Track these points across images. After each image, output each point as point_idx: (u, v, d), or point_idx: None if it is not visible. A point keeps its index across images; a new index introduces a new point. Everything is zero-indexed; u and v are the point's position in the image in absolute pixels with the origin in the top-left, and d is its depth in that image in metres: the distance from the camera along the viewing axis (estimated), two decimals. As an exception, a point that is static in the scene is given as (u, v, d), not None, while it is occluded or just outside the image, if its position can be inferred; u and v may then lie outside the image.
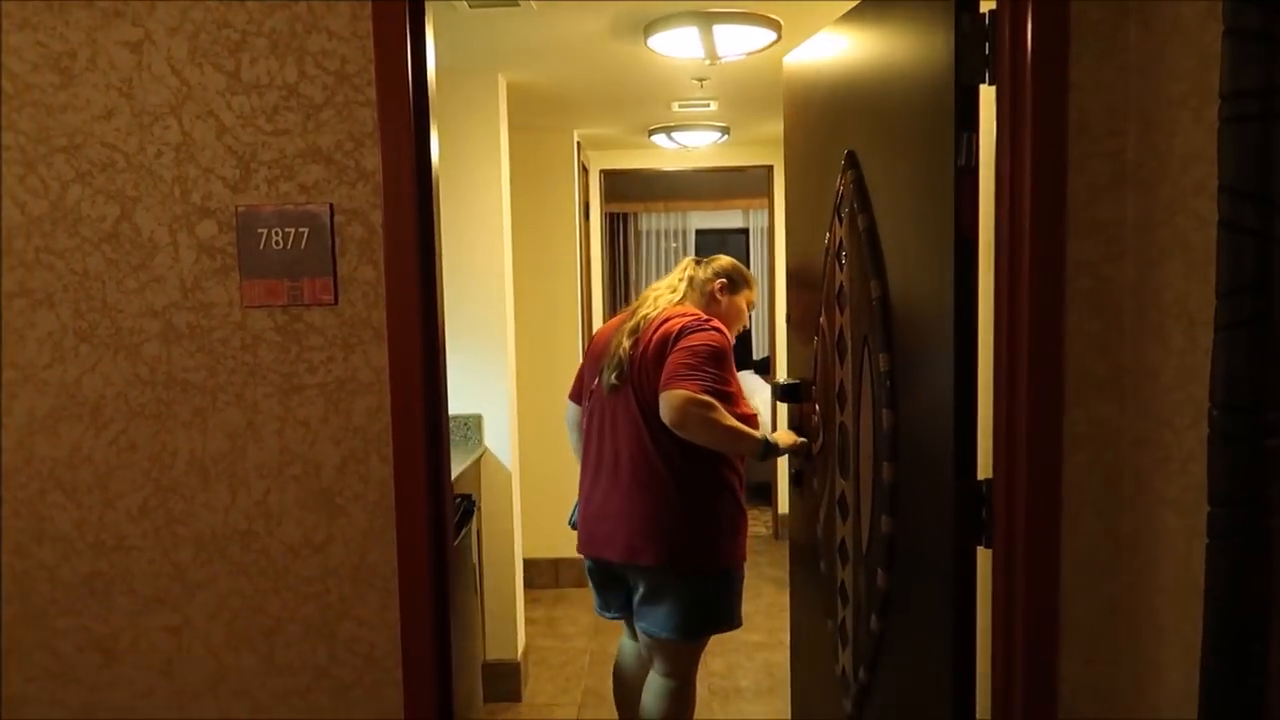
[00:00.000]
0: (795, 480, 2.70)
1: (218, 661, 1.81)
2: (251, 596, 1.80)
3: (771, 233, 5.87)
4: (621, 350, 2.63)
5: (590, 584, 2.83)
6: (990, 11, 1.65)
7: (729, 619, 2.68)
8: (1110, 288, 1.57)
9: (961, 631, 1.75)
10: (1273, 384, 1.17)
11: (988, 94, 1.66)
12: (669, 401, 2.42)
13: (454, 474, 3.09)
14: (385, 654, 1.80)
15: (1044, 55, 1.54)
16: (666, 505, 2.55)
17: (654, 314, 2.66)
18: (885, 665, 2.06)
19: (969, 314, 1.72)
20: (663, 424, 2.46)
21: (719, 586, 2.63)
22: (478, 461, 3.58)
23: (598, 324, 5.67)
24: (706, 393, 2.42)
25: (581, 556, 2.77)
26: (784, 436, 2.60)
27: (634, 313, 2.73)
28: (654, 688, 2.71)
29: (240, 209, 1.73)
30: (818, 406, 2.43)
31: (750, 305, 2.88)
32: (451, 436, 3.58)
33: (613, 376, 2.62)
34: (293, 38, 1.70)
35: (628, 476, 2.58)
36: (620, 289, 9.89)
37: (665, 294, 2.76)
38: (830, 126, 2.34)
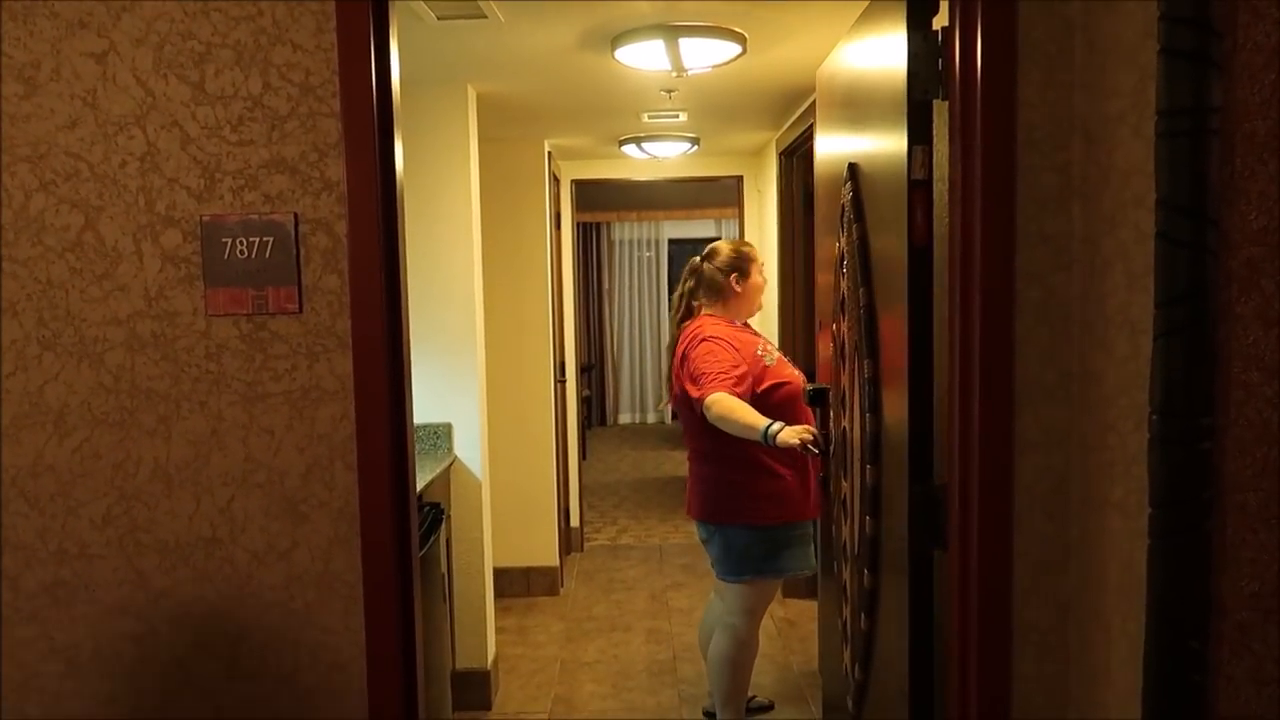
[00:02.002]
0: (822, 484, 2.89)
1: (181, 669, 1.81)
2: (215, 603, 1.80)
3: (742, 242, 5.92)
4: (665, 366, 3.39)
5: None
6: (943, 29, 1.69)
7: (770, 567, 3.10)
8: (1058, 297, 1.62)
9: (918, 632, 1.79)
10: (1206, 390, 1.21)
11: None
12: (705, 409, 2.97)
13: (423, 483, 3.09)
14: (350, 660, 1.81)
15: (993, 72, 1.58)
16: (705, 473, 3.17)
17: (679, 334, 3.26)
18: (874, 663, 2.11)
19: (923, 320, 1.76)
20: (699, 414, 3.00)
21: (750, 538, 3.08)
22: (447, 470, 3.59)
23: (569, 332, 5.70)
24: (734, 387, 2.94)
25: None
26: (788, 432, 2.81)
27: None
28: (720, 624, 3.26)
29: (205, 218, 1.74)
30: (831, 412, 2.55)
31: (762, 275, 3.26)
32: (421, 445, 3.59)
33: (665, 386, 3.38)
34: (257, 50, 1.72)
35: (688, 454, 3.28)
36: (593, 298, 9.92)
37: (675, 317, 3.32)
38: (840, 139, 2.41)
